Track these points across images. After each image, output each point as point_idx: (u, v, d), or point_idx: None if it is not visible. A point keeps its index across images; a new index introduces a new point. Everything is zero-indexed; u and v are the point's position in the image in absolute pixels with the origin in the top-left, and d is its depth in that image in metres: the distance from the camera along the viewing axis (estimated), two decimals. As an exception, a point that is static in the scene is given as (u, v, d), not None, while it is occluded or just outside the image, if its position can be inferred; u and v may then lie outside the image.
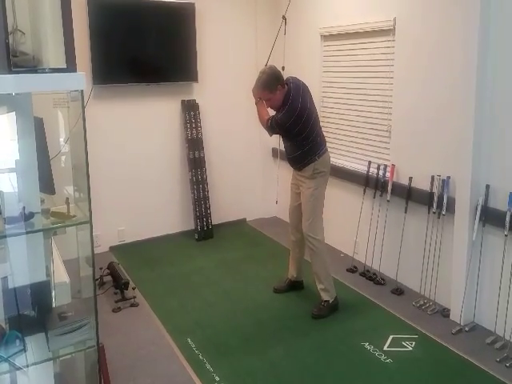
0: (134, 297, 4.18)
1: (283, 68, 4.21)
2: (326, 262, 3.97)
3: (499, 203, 3.47)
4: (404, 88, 4.15)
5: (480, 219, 3.57)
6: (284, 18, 4.37)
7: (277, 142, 4.23)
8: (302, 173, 3.92)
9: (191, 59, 5.30)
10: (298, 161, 3.91)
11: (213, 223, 5.65)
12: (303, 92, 3.77)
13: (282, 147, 4.20)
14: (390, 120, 4.33)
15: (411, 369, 3.27)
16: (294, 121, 3.69)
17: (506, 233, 3.39)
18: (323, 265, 3.95)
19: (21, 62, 1.95)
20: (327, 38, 5.02)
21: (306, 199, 3.91)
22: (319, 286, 3.97)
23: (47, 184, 2.27)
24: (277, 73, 3.76)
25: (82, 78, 1.97)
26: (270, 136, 4.06)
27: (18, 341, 2.00)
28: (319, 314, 3.90)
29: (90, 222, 2.13)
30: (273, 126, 3.81)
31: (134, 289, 4.26)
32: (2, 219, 1.97)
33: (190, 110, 5.44)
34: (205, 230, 5.57)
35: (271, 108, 3.86)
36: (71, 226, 2.25)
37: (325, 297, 3.94)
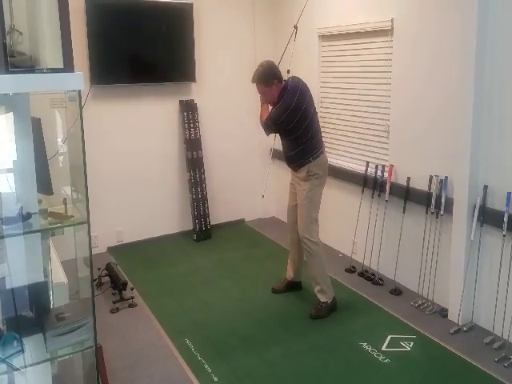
0: (132, 297, 4.17)
1: (288, 71, 4.20)
2: (323, 264, 3.95)
3: (497, 203, 3.48)
4: (402, 88, 4.15)
5: (478, 219, 3.57)
6: (296, 27, 4.29)
7: (276, 142, 4.23)
8: (297, 174, 3.93)
9: (189, 59, 5.29)
10: (293, 160, 3.91)
11: (211, 224, 5.64)
12: (301, 91, 3.77)
13: (277, 146, 4.19)
14: (388, 120, 4.33)
15: (409, 369, 3.27)
16: (286, 117, 3.71)
17: (504, 233, 3.39)
18: (320, 267, 3.93)
19: (18, 62, 1.94)
20: (325, 38, 5.02)
21: (300, 201, 3.91)
22: (316, 288, 3.95)
23: (45, 184, 2.27)
24: (273, 67, 3.78)
25: (79, 78, 1.96)
26: (267, 135, 4.07)
27: (15, 342, 1.99)
28: (317, 314, 3.89)
29: (87, 222, 2.12)
30: (268, 124, 3.84)
31: (132, 289, 4.25)
32: (-1, 220, 1.96)
33: (189, 110, 5.44)
34: (203, 231, 5.57)
35: (266, 103, 3.89)
36: (69, 226, 2.25)
37: (322, 298, 3.93)
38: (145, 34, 5.06)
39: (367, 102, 4.55)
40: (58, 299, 2.40)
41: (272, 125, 3.83)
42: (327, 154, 4.86)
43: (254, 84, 3.81)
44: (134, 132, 5.22)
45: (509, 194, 3.36)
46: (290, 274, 4.28)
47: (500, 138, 3.42)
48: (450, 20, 3.66)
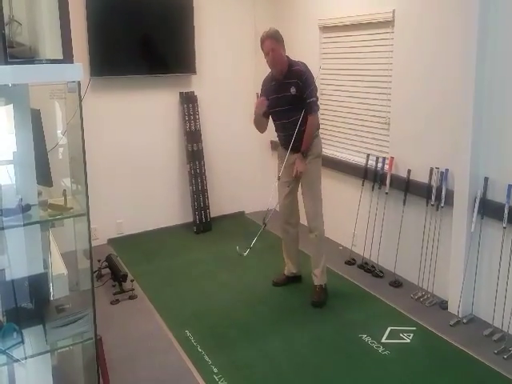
0: (133, 289, 4.18)
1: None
2: (325, 246, 4.10)
3: (497, 195, 3.47)
4: (403, 80, 4.13)
5: (478, 211, 3.57)
6: (264, 224, 4.17)
7: (274, 134, 4.21)
8: (309, 152, 3.86)
9: (189, 51, 5.27)
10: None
11: (211, 216, 5.64)
12: None
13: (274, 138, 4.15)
14: (388, 112, 4.32)
15: (409, 361, 3.28)
16: (310, 74, 3.83)
17: (504, 225, 3.39)
18: (325, 249, 4.05)
19: (17, 53, 1.93)
20: (326, 29, 4.99)
21: (310, 184, 3.95)
22: (317, 270, 3.98)
23: (45, 176, 2.26)
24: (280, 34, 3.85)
25: (79, 69, 1.95)
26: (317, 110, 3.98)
27: (15, 333, 1.99)
28: (319, 300, 3.92)
29: (87, 214, 2.12)
30: (315, 97, 3.85)
31: (132, 281, 4.25)
32: (-1, 211, 1.96)
33: (189, 102, 5.42)
34: (203, 223, 5.57)
35: (272, 63, 3.78)
36: (68, 218, 2.24)
37: (320, 281, 3.98)
38: (145, 26, 5.04)
39: (368, 93, 4.53)
40: (57, 291, 2.40)
41: (315, 91, 3.87)
42: (327, 147, 4.89)
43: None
44: (133, 124, 5.21)
45: (509, 186, 3.35)
46: (291, 270, 4.29)
47: (501, 130, 3.40)
48: (451, 11, 3.64)
